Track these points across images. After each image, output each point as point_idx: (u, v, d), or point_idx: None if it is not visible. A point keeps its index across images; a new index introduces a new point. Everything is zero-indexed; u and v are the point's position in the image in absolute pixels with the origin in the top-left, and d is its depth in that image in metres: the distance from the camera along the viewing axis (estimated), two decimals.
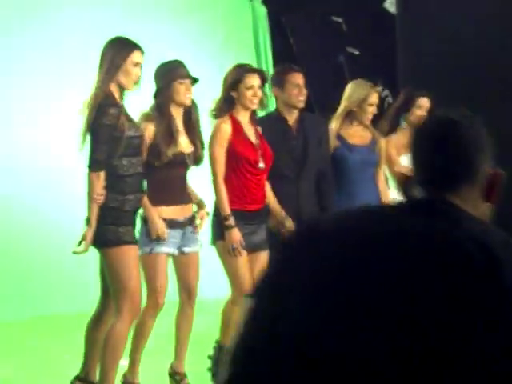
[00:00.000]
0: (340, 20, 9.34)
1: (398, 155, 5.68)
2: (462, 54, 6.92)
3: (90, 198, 4.23)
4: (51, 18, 7.19)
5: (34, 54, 7.07)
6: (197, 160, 4.75)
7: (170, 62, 4.72)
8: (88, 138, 4.31)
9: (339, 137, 5.52)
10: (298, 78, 5.24)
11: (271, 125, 5.22)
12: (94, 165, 4.23)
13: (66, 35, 7.17)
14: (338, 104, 5.64)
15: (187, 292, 4.77)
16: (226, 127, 4.83)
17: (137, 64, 4.36)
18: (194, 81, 4.69)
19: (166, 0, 7.96)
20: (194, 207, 4.84)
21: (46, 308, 6.74)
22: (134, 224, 4.41)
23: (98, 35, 6.88)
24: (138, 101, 4.59)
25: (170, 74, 4.60)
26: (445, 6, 7.03)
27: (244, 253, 4.80)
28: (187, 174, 4.74)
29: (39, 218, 7.01)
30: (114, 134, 4.23)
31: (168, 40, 7.51)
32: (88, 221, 4.28)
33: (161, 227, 4.51)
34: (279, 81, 5.25)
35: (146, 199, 4.53)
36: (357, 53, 9.25)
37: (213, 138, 4.82)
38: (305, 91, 5.25)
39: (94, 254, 4.43)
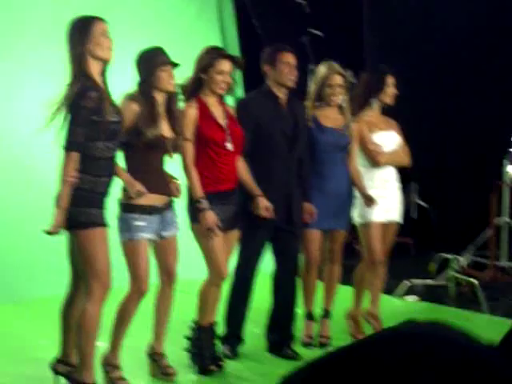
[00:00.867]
0: (302, 1, 9.37)
1: (371, 133, 5.75)
2: (429, 33, 7.01)
3: (62, 179, 4.23)
4: (12, 2, 7.13)
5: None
6: (176, 147, 4.75)
7: (150, 49, 4.72)
8: (60, 117, 4.30)
9: (313, 118, 5.58)
10: (290, 57, 5.29)
11: (263, 101, 5.27)
12: (70, 146, 4.23)
13: (28, 20, 7.12)
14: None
15: (167, 274, 4.80)
16: (191, 111, 4.86)
17: (104, 33, 4.36)
18: (175, 65, 4.69)
19: None
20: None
21: (19, 293, 6.73)
22: (104, 207, 4.40)
23: (62, 19, 6.89)
24: (119, 84, 4.59)
25: (152, 62, 4.61)
26: None
27: (220, 234, 4.84)
28: (165, 161, 4.74)
29: (5, 203, 6.98)
30: (94, 117, 4.23)
31: (134, 22, 7.50)
32: (57, 201, 4.29)
33: (137, 184, 4.50)
34: (271, 59, 5.30)
35: (118, 166, 4.52)
36: (320, 34, 9.29)
37: (182, 123, 4.84)
38: (295, 71, 5.29)
39: (60, 237, 4.44)
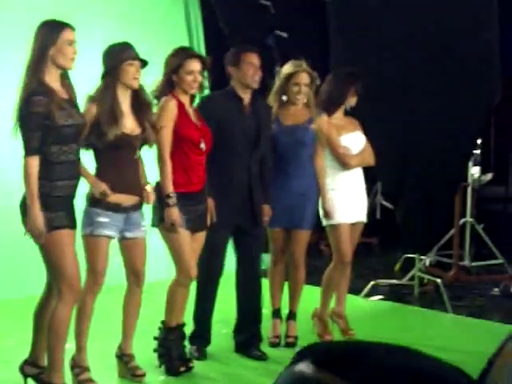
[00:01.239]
0: (268, 3, 9.40)
1: (339, 136, 5.77)
2: (393, 35, 7.07)
3: (28, 184, 4.20)
4: None
5: None
6: (146, 142, 4.74)
7: (118, 43, 4.68)
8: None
9: (276, 118, 5.60)
10: (254, 58, 5.28)
11: (226, 102, 5.27)
12: (30, 151, 4.20)
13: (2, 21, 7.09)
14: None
15: (135, 275, 4.79)
16: (172, 105, 4.86)
17: (70, 42, 4.34)
18: (143, 63, 4.68)
19: None
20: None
21: None
22: (67, 209, 4.36)
23: (34, 18, 6.85)
24: (83, 83, 4.58)
25: (119, 55, 4.57)
26: None
27: (185, 233, 4.85)
28: (135, 158, 4.71)
29: None
30: (44, 122, 4.20)
31: (101, 22, 7.48)
32: (22, 207, 4.28)
33: (102, 185, 4.48)
34: (235, 59, 5.29)
35: (83, 168, 4.51)
36: (285, 35, 9.33)
37: (159, 115, 4.83)
38: (260, 72, 5.29)
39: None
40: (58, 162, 4.27)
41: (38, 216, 4.18)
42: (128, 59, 4.58)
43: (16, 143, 4.35)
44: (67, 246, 4.30)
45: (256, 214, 5.33)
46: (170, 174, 4.81)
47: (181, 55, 4.93)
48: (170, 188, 4.80)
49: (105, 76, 4.60)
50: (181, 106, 4.90)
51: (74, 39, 4.37)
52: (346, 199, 5.78)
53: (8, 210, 5.94)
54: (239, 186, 5.22)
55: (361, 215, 5.93)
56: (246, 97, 5.32)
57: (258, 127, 5.31)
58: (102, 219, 4.55)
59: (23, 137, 4.22)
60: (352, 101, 5.84)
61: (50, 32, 4.31)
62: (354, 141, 5.84)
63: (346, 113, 5.93)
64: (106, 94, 4.54)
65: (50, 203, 4.26)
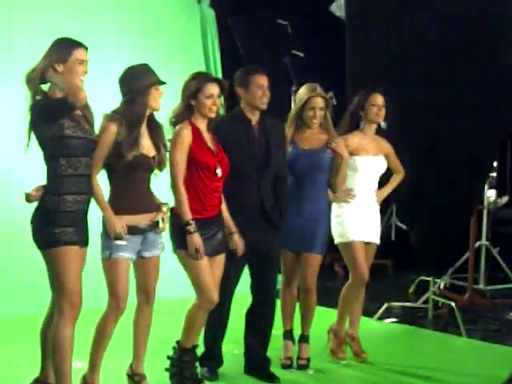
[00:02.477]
0: (285, 22, 9.43)
1: (355, 155, 5.76)
2: (410, 58, 7.07)
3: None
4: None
5: None
6: (160, 164, 4.73)
7: (138, 66, 4.65)
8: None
9: (292, 141, 5.59)
10: (263, 80, 5.24)
11: (235, 124, 5.25)
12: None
13: (15, 37, 7.14)
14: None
15: (145, 293, 4.77)
16: (187, 133, 4.84)
17: (82, 61, 4.34)
18: (163, 84, 4.68)
19: (114, 4, 7.93)
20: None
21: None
22: (77, 225, 4.35)
23: (46, 37, 6.90)
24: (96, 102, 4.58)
25: (146, 80, 4.56)
26: (393, 10, 7.17)
27: (204, 259, 4.83)
28: (150, 179, 4.71)
29: None
30: (53, 129, 4.22)
31: (116, 43, 7.52)
32: (34, 222, 4.31)
33: (118, 225, 4.48)
34: (244, 81, 5.26)
35: (102, 198, 4.50)
36: (302, 55, 9.35)
37: (173, 143, 4.82)
38: (268, 93, 5.26)
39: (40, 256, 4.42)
40: (66, 175, 4.27)
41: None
42: (155, 84, 4.59)
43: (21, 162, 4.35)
44: (72, 263, 4.28)
45: (271, 235, 5.29)
46: (186, 202, 4.79)
47: (199, 79, 4.92)
48: (188, 215, 4.77)
49: (127, 102, 4.58)
50: (196, 132, 4.88)
51: (86, 59, 4.37)
52: (359, 218, 5.76)
53: (19, 227, 5.96)
54: (251, 209, 5.18)
55: (374, 236, 5.90)
56: (254, 118, 5.30)
57: (267, 148, 5.28)
58: (119, 242, 4.54)
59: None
60: (372, 118, 5.82)
61: (62, 49, 4.32)
62: (371, 165, 5.82)
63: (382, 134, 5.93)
64: (130, 117, 4.53)
65: (58, 218, 4.25)
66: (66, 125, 4.24)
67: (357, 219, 5.76)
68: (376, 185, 5.94)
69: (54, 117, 4.23)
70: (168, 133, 4.88)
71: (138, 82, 4.56)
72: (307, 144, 5.61)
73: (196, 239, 4.75)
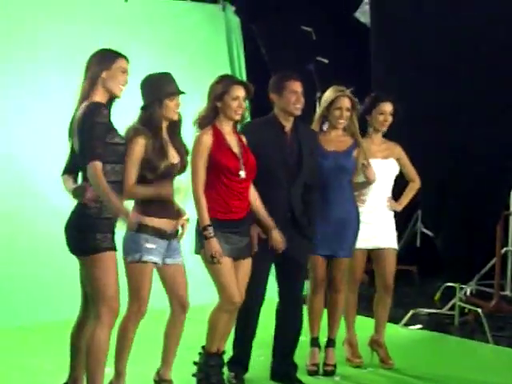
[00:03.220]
0: (309, 29, 9.43)
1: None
2: (435, 63, 7.04)
3: (101, 187, 4.20)
4: (26, 32, 7.22)
5: (9, 67, 7.13)
6: (182, 169, 4.78)
7: (159, 74, 4.71)
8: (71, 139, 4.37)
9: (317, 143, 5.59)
10: (297, 86, 5.26)
11: (267, 129, 5.27)
12: (95, 156, 4.21)
13: (41, 49, 7.21)
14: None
15: (179, 303, 4.78)
16: (206, 138, 4.87)
17: (123, 70, 4.41)
18: (181, 93, 4.72)
19: (140, 12, 8.00)
20: None
21: (24, 317, 6.73)
22: (113, 231, 4.40)
23: (73, 48, 6.98)
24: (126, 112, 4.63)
25: (162, 91, 4.61)
26: (419, 16, 7.14)
27: (226, 260, 4.85)
28: (174, 185, 4.76)
29: (16, 225, 7.01)
30: (106, 134, 4.27)
31: (142, 51, 7.55)
32: (69, 229, 4.33)
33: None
34: (278, 87, 5.28)
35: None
36: (326, 61, 9.34)
37: (193, 150, 4.87)
38: (302, 99, 5.26)
39: (71, 261, 4.46)
40: (109, 182, 4.30)
41: (123, 208, 4.28)
42: (170, 95, 4.62)
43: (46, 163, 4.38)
44: (112, 268, 4.33)
45: (300, 241, 5.30)
46: (205, 208, 4.82)
47: (225, 82, 4.95)
48: (206, 220, 4.81)
49: (147, 109, 4.63)
50: (218, 135, 4.91)
51: (127, 69, 4.44)
52: (365, 224, 5.73)
53: (52, 232, 6.00)
54: (279, 214, 5.19)
55: (383, 241, 5.86)
56: (288, 124, 5.31)
57: (299, 155, 5.29)
58: (150, 245, 4.58)
59: (87, 144, 4.23)
60: (378, 126, 5.83)
61: (106, 57, 4.41)
62: (380, 168, 5.80)
63: (389, 138, 5.92)
64: (151, 128, 4.58)
65: (99, 224, 4.30)
66: (114, 131, 4.32)
67: (363, 226, 5.72)
68: (390, 189, 5.91)
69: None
70: (193, 135, 4.92)
71: (153, 91, 4.63)
72: (332, 146, 5.60)
73: (214, 244, 4.78)
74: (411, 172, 6.01)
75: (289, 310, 5.46)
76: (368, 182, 5.67)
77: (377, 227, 5.82)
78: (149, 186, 4.58)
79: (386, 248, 5.87)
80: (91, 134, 4.23)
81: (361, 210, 5.74)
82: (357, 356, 5.94)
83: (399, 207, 5.98)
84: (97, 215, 4.30)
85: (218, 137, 4.91)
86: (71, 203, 4.41)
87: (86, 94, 4.36)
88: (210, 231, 4.80)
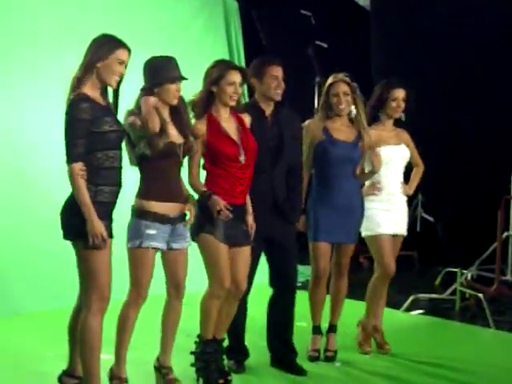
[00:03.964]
0: (309, 13, 9.40)
1: (377, 147, 5.74)
2: (436, 49, 7.01)
3: (77, 190, 4.18)
4: (26, 18, 7.17)
5: (9, 54, 7.08)
6: (188, 150, 4.73)
7: (162, 57, 4.64)
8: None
9: (325, 130, 5.55)
10: (277, 71, 5.23)
11: (248, 115, 5.23)
12: (75, 157, 4.19)
13: (41, 35, 7.16)
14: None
15: (175, 287, 4.76)
16: (200, 126, 4.84)
17: (121, 62, 4.33)
18: (184, 79, 4.66)
19: None
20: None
21: (24, 305, 6.72)
22: (108, 218, 4.36)
23: (73, 34, 6.93)
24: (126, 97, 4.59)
25: (163, 75, 4.55)
26: (420, 5, 7.12)
27: (221, 245, 4.80)
28: (180, 168, 4.71)
29: (14, 217, 6.99)
30: (90, 128, 4.22)
31: (141, 36, 7.51)
32: (64, 213, 4.31)
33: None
34: (258, 72, 5.24)
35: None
36: (325, 46, 9.32)
37: None
38: (283, 84, 5.24)
39: (70, 249, 4.42)
40: (104, 168, 4.28)
41: (97, 221, 4.19)
42: (171, 80, 4.57)
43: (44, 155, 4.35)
44: (105, 256, 4.29)
45: (284, 226, 5.27)
46: (198, 180, 4.82)
47: (222, 66, 4.91)
48: (201, 187, 4.80)
49: (146, 90, 4.59)
50: (213, 123, 4.87)
51: (126, 60, 4.36)
52: (387, 210, 5.75)
53: (50, 221, 5.97)
54: (263, 200, 5.15)
55: (401, 228, 5.88)
56: (268, 109, 5.28)
57: (280, 139, 5.26)
58: (151, 231, 4.54)
59: (67, 143, 4.21)
60: (391, 112, 5.81)
61: (105, 46, 4.32)
62: (394, 154, 5.80)
63: (398, 125, 5.90)
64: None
65: (94, 209, 4.24)
66: (100, 121, 4.26)
67: (385, 212, 5.75)
68: (401, 175, 5.91)
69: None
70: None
71: (155, 75, 4.57)
72: (341, 135, 5.57)
73: (219, 200, 4.73)
74: (416, 157, 6.03)
75: (281, 295, 5.43)
76: (373, 172, 5.65)
77: (396, 214, 5.82)
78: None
79: (398, 234, 5.88)
80: (70, 134, 4.20)
81: (379, 197, 5.74)
82: (369, 344, 5.92)
83: (411, 191, 5.99)
84: (93, 200, 4.25)
85: (213, 124, 4.87)
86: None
87: (76, 83, 4.29)
88: (209, 191, 4.76)
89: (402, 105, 5.84)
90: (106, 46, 4.32)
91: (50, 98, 6.52)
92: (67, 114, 4.22)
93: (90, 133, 4.22)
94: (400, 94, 5.84)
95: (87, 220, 4.19)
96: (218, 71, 4.87)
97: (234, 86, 4.86)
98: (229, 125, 4.93)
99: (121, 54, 4.33)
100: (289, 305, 5.46)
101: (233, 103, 4.91)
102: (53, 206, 4.74)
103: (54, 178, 6.54)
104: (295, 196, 5.37)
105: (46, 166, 6.99)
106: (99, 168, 4.28)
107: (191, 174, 4.85)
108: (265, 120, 5.27)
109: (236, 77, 4.86)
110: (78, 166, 4.19)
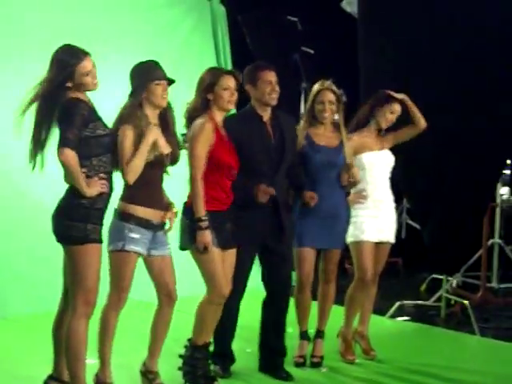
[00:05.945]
0: (295, 19, 9.41)
1: (360, 153, 5.75)
2: (423, 56, 7.02)
3: (73, 174, 4.17)
4: (12, 19, 7.13)
5: None
6: (174, 160, 4.72)
7: (146, 62, 4.65)
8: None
9: (307, 136, 5.56)
10: (271, 76, 5.22)
11: (246, 122, 5.21)
12: (69, 142, 4.15)
13: (28, 36, 7.12)
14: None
15: (167, 296, 4.74)
16: (210, 129, 4.81)
17: (88, 73, 4.31)
18: (170, 82, 4.65)
19: (126, 1, 7.93)
20: None
21: (9, 309, 6.69)
22: (101, 223, 4.37)
23: (59, 35, 6.88)
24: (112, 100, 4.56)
25: (147, 75, 4.55)
26: (406, 6, 7.13)
27: (216, 251, 4.80)
28: (163, 177, 4.71)
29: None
30: (86, 132, 4.22)
31: (127, 41, 7.50)
32: (57, 217, 4.29)
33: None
34: (252, 78, 5.23)
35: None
36: (311, 52, 9.33)
37: (196, 137, 4.78)
38: (277, 88, 5.23)
39: (57, 253, 4.41)
40: (101, 173, 4.30)
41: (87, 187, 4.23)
42: (155, 79, 4.55)
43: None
44: (96, 260, 4.29)
45: (283, 232, 5.27)
46: (202, 197, 4.76)
47: (214, 72, 4.91)
48: (202, 211, 4.75)
49: (133, 95, 4.58)
50: (216, 129, 4.86)
51: (91, 67, 4.33)
52: (372, 217, 5.75)
53: (36, 224, 5.94)
54: (264, 205, 5.15)
55: (388, 235, 5.88)
56: (266, 114, 5.27)
57: (281, 144, 5.26)
58: (134, 235, 4.52)
59: (64, 130, 4.18)
60: (383, 124, 5.82)
61: (66, 65, 4.28)
62: (377, 160, 5.81)
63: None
64: (138, 117, 4.51)
65: (91, 215, 4.27)
66: (96, 124, 4.27)
67: (371, 219, 5.75)
68: (388, 181, 5.91)
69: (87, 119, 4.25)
70: (182, 127, 4.87)
71: (139, 78, 4.58)
72: (323, 140, 5.58)
73: (207, 236, 4.74)
74: (406, 127, 5.93)
75: (275, 300, 5.42)
76: (354, 183, 5.65)
77: (383, 221, 5.83)
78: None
79: (385, 242, 5.88)
80: (70, 122, 4.19)
81: (365, 204, 5.74)
82: (351, 353, 5.91)
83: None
84: (91, 206, 4.27)
85: (217, 131, 4.86)
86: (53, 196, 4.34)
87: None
88: (206, 222, 4.75)
89: (393, 118, 5.86)
90: (67, 64, 4.28)
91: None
92: (65, 109, 4.21)
93: (86, 138, 4.22)
94: (399, 109, 5.85)
95: (80, 189, 4.20)
96: (210, 78, 4.87)
97: (230, 91, 4.86)
98: (223, 133, 4.93)
99: (84, 66, 4.30)
100: (283, 308, 5.45)
101: (231, 107, 4.92)
102: (39, 208, 4.71)
103: (39, 181, 6.49)
104: (301, 179, 5.43)
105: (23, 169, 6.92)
106: (96, 175, 4.29)
107: (199, 192, 4.76)
108: (263, 125, 5.26)
109: (230, 81, 4.86)
110: (72, 152, 4.15)
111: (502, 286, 8.65)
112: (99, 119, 4.37)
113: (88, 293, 4.27)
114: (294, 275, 5.70)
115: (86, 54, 4.34)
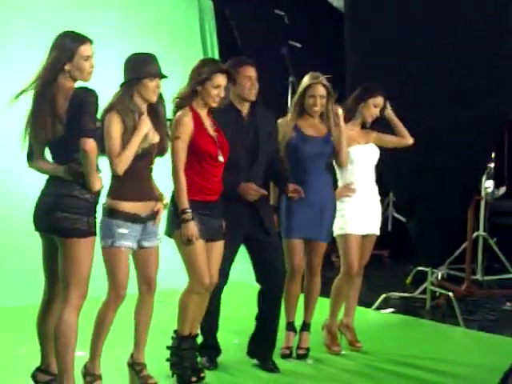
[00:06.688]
0: (282, 13, 9.42)
1: (347, 146, 5.79)
2: (408, 48, 7.07)
3: (92, 162, 4.17)
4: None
5: None
6: (161, 151, 4.74)
7: (142, 54, 4.65)
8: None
9: (296, 127, 5.61)
10: (250, 71, 5.26)
11: (225, 116, 5.22)
12: (90, 132, 4.14)
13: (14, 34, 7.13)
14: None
15: (147, 284, 4.76)
16: (188, 121, 4.85)
17: (87, 58, 4.31)
18: (163, 77, 4.66)
19: None
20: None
21: None
22: (94, 215, 4.37)
23: (45, 34, 6.90)
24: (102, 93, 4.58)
25: (142, 70, 4.55)
26: (393, 4, 7.17)
27: (199, 242, 4.85)
28: (152, 167, 4.71)
29: None
30: None
31: (115, 33, 7.52)
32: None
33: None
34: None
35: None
36: (299, 46, 9.35)
37: (175, 131, 4.83)
38: (257, 84, 5.28)
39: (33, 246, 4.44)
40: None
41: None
42: (150, 75, 4.57)
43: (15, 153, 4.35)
44: (90, 253, 4.30)
45: (265, 222, 5.30)
46: (185, 190, 4.80)
47: (210, 68, 4.91)
48: (185, 203, 4.79)
49: (125, 86, 4.60)
50: (197, 119, 4.89)
51: (91, 53, 4.33)
52: (358, 210, 5.80)
53: (18, 215, 5.94)
54: (241, 197, 5.19)
55: (373, 227, 5.94)
56: (244, 109, 5.32)
57: (256, 137, 5.30)
58: (122, 230, 4.54)
59: (84, 120, 4.14)
60: (368, 117, 5.87)
61: (68, 47, 4.28)
62: (364, 153, 5.86)
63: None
64: (127, 107, 4.53)
65: (92, 208, 4.30)
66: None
67: (357, 212, 5.80)
68: (373, 175, 5.96)
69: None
70: (170, 112, 4.89)
71: (134, 70, 4.57)
72: (311, 131, 5.64)
73: (191, 228, 4.77)
74: (393, 136, 6.04)
75: (271, 292, 5.43)
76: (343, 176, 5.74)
77: (368, 213, 5.88)
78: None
79: (370, 234, 5.93)
80: (92, 111, 4.19)
81: (352, 198, 5.81)
82: (336, 344, 5.96)
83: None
84: (92, 200, 4.29)
85: (197, 120, 4.89)
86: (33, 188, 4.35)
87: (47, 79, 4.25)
88: (189, 214, 4.79)
89: (377, 112, 5.92)
90: (67, 47, 4.27)
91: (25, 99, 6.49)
92: (79, 98, 4.18)
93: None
94: (381, 102, 5.91)
95: (92, 181, 4.21)
96: (206, 72, 4.88)
97: (219, 89, 4.89)
98: (207, 123, 4.96)
99: (85, 49, 4.30)
100: (279, 298, 5.48)
101: (214, 105, 4.93)
102: (21, 203, 4.72)
103: (24, 178, 6.51)
104: (284, 176, 5.46)
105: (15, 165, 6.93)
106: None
107: (181, 185, 4.80)
108: (241, 120, 5.30)
109: (222, 80, 4.90)
110: (94, 143, 4.16)
111: (487, 278, 8.71)
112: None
113: (81, 284, 4.28)
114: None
115: (88, 39, 4.36)
